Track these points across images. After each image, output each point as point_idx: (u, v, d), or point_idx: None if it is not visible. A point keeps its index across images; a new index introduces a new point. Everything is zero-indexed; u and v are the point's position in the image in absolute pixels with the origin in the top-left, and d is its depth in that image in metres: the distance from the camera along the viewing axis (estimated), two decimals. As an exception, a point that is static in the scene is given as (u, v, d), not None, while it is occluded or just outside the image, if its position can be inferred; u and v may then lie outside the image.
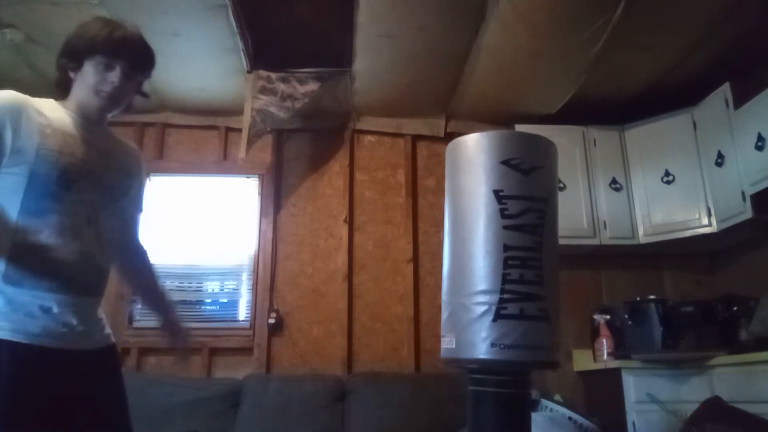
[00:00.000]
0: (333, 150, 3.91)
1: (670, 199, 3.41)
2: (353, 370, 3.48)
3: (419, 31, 2.97)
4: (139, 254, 1.67)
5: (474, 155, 1.66)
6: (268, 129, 3.57)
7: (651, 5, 2.70)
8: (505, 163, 1.60)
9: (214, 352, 3.49)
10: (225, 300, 3.74)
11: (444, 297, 1.67)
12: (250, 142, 3.41)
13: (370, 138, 3.97)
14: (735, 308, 3.06)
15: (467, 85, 3.47)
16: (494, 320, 1.49)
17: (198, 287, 3.68)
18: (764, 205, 2.91)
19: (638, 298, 3.31)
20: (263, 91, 3.37)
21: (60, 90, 1.47)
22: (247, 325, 3.60)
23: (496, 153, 1.62)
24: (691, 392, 2.88)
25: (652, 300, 3.23)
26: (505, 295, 1.50)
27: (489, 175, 1.60)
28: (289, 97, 3.42)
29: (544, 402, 3.07)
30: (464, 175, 1.67)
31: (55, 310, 1.29)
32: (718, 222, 3.21)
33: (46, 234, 1.30)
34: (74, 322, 1.32)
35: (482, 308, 1.51)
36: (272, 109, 3.41)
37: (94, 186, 1.40)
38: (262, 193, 3.81)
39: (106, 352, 1.43)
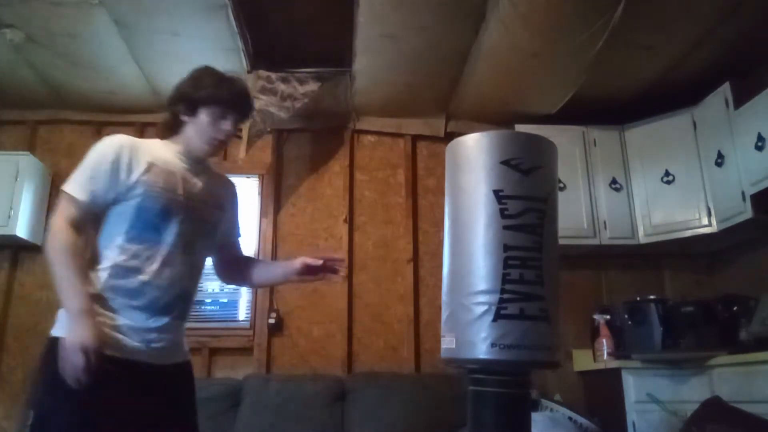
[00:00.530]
0: (333, 150, 3.91)
1: (670, 199, 3.41)
2: (353, 370, 3.48)
3: (420, 31, 2.97)
4: (243, 259, 1.87)
5: (474, 155, 1.66)
6: (268, 129, 3.57)
7: (651, 5, 2.70)
8: (505, 163, 1.59)
9: (214, 352, 3.49)
10: (225, 300, 3.74)
11: (444, 297, 1.67)
12: (250, 142, 3.42)
13: (370, 138, 3.97)
14: (735, 308, 3.06)
15: (467, 85, 3.47)
16: (494, 320, 1.49)
17: (198, 287, 3.67)
18: (764, 205, 2.91)
19: (638, 298, 3.31)
20: (263, 91, 3.37)
21: (167, 131, 1.64)
22: (247, 325, 3.60)
23: (496, 153, 1.62)
24: (691, 392, 2.88)
25: (652, 300, 3.23)
26: (505, 295, 1.50)
27: (489, 174, 1.60)
28: (289, 97, 3.42)
29: (544, 402, 3.07)
30: (464, 175, 1.67)
31: (139, 325, 1.45)
32: (718, 222, 3.21)
33: (142, 259, 1.48)
34: (154, 337, 1.48)
35: (482, 308, 1.51)
36: (272, 109, 3.41)
37: (192, 219, 1.57)
38: (262, 193, 3.81)
39: (181, 368, 1.59)
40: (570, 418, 2.89)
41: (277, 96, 3.40)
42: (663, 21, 2.85)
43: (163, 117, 1.67)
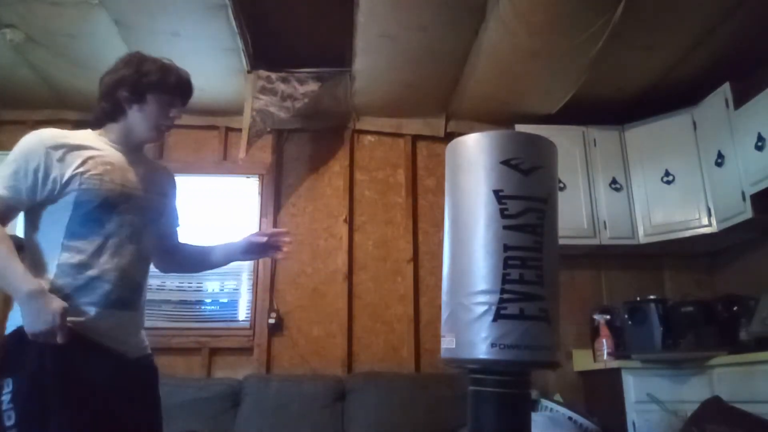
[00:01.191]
0: (333, 150, 3.91)
1: (670, 199, 3.41)
2: (353, 370, 3.48)
3: (419, 31, 2.97)
4: (181, 247, 1.82)
5: (474, 155, 1.66)
6: (268, 129, 3.57)
7: (651, 5, 2.70)
8: (505, 163, 1.59)
9: (214, 352, 3.49)
10: (225, 300, 3.74)
11: (444, 297, 1.67)
12: (250, 142, 3.41)
13: (370, 138, 3.97)
14: (735, 308, 3.06)
15: (467, 85, 3.47)
16: (494, 320, 1.49)
17: (198, 287, 3.68)
18: (764, 205, 2.91)
19: (638, 298, 3.31)
20: (263, 91, 3.37)
21: (103, 120, 1.60)
22: (247, 325, 3.60)
23: (496, 153, 1.62)
24: (691, 392, 2.88)
25: (652, 300, 3.23)
26: (505, 295, 1.50)
27: (489, 175, 1.60)
28: (289, 97, 3.42)
29: (544, 402, 3.07)
30: (464, 175, 1.67)
31: (93, 324, 1.41)
32: (718, 222, 3.21)
33: (88, 254, 1.43)
34: (111, 333, 1.44)
35: (482, 308, 1.51)
36: (272, 109, 3.41)
37: (135, 209, 1.53)
38: (262, 193, 3.81)
39: (143, 361, 1.55)
40: (570, 418, 2.89)
41: (277, 96, 3.40)
42: (663, 21, 2.85)
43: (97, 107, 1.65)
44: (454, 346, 1.56)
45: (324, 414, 3.08)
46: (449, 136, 3.61)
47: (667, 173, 3.45)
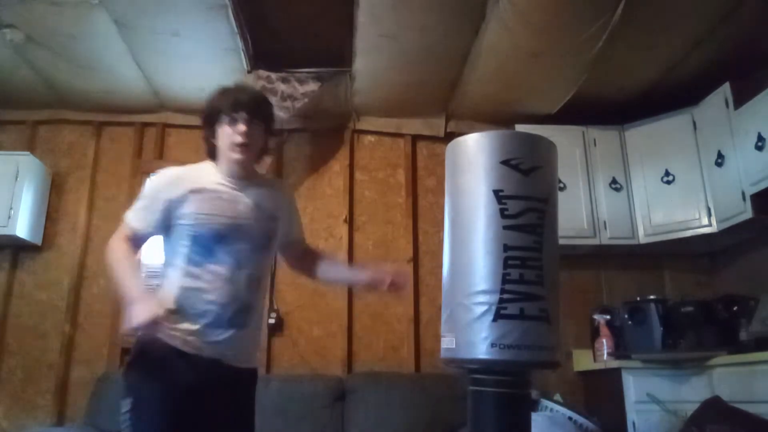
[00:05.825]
0: (333, 150, 3.91)
1: (670, 199, 3.41)
2: (353, 370, 3.48)
3: (419, 31, 2.97)
4: (310, 254, 1.99)
5: (474, 155, 1.65)
6: (268, 129, 3.57)
7: (651, 5, 2.70)
8: (505, 163, 1.59)
9: (214, 352, 3.49)
10: (225, 300, 3.73)
11: (444, 297, 1.67)
12: (250, 142, 3.41)
13: (370, 138, 3.97)
14: (735, 308, 3.06)
15: (467, 85, 3.47)
16: (494, 320, 1.49)
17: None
18: (764, 205, 2.91)
19: (638, 298, 3.31)
20: (263, 91, 3.37)
21: (212, 158, 1.78)
22: (247, 325, 3.60)
23: (496, 153, 1.62)
24: (691, 392, 2.88)
25: (652, 300, 3.23)
26: (505, 295, 1.50)
27: (489, 175, 1.60)
28: (289, 97, 3.42)
29: (544, 402, 3.07)
30: (464, 175, 1.67)
31: (209, 339, 1.61)
32: (718, 222, 3.21)
33: (204, 280, 1.63)
34: (223, 348, 1.63)
35: (482, 308, 1.51)
36: (272, 109, 3.41)
37: (244, 238, 1.69)
38: (262, 193, 3.80)
39: (247, 373, 1.73)
40: (570, 418, 2.89)
41: (277, 96, 3.40)
42: (663, 21, 2.85)
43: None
44: (454, 346, 1.56)
45: (324, 414, 3.08)
46: (449, 136, 3.61)
47: (667, 173, 3.45)
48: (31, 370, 3.40)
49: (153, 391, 1.56)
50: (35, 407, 3.34)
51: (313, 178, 3.86)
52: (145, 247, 1.74)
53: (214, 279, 1.63)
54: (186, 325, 1.60)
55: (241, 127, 1.68)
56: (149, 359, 1.60)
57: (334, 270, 2.07)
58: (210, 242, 1.64)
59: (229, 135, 1.69)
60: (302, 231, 2.00)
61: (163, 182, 1.71)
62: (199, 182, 1.70)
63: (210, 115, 1.74)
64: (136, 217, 1.70)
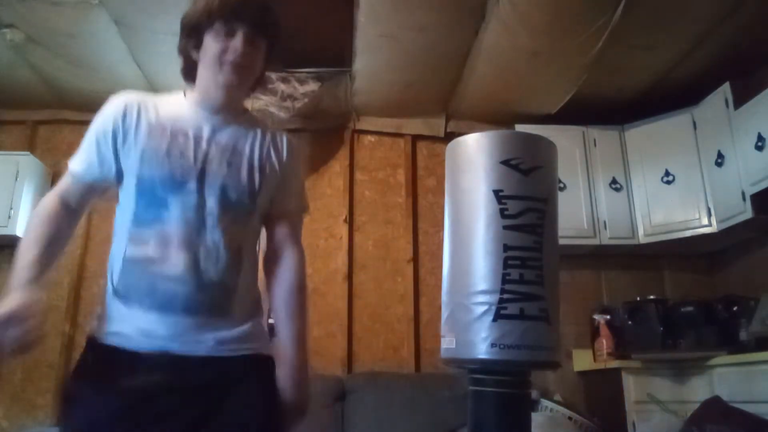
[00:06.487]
0: (333, 150, 3.91)
1: (670, 199, 3.41)
2: (353, 370, 3.48)
3: (419, 31, 2.97)
4: (281, 260, 1.37)
5: (474, 155, 1.66)
6: (268, 129, 3.56)
7: (651, 5, 2.70)
8: (505, 163, 1.59)
9: (214, 352, 3.49)
10: (225, 300, 3.73)
11: (444, 297, 1.67)
12: (250, 142, 3.41)
13: (370, 138, 3.97)
14: (735, 308, 3.06)
15: (467, 85, 3.47)
16: (494, 320, 1.49)
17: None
18: (764, 205, 2.91)
19: (638, 298, 3.31)
20: (263, 91, 3.37)
21: (188, 79, 1.33)
22: (247, 325, 3.59)
23: (496, 153, 1.62)
24: (691, 392, 2.89)
25: (652, 300, 3.23)
26: (505, 295, 1.50)
27: (489, 175, 1.60)
28: (289, 97, 3.42)
29: (544, 402, 3.07)
30: (464, 175, 1.67)
31: (159, 332, 1.14)
32: (718, 222, 3.21)
33: (151, 246, 1.17)
34: (175, 346, 1.15)
35: (482, 308, 1.51)
36: (272, 109, 3.41)
37: (209, 189, 1.22)
38: (262, 193, 3.80)
39: (242, 361, 1.24)
40: (570, 418, 2.89)
41: (277, 96, 3.40)
42: (663, 21, 2.85)
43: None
44: (454, 346, 1.56)
45: (324, 414, 3.07)
46: (449, 136, 3.60)
47: (667, 173, 3.45)
48: (30, 370, 3.40)
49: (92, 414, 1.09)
50: (35, 407, 3.34)
51: (313, 178, 3.86)
52: (95, 205, 1.30)
53: (165, 243, 1.16)
54: (134, 313, 1.14)
55: (240, 43, 1.24)
56: (89, 372, 1.14)
57: (285, 314, 1.43)
58: (160, 191, 1.18)
59: (221, 50, 1.23)
60: (298, 208, 1.48)
61: (112, 110, 1.26)
62: (156, 110, 1.27)
63: (196, 19, 1.27)
64: (77, 158, 1.25)
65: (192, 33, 1.28)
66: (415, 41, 3.05)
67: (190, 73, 1.32)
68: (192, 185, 1.20)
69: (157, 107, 1.28)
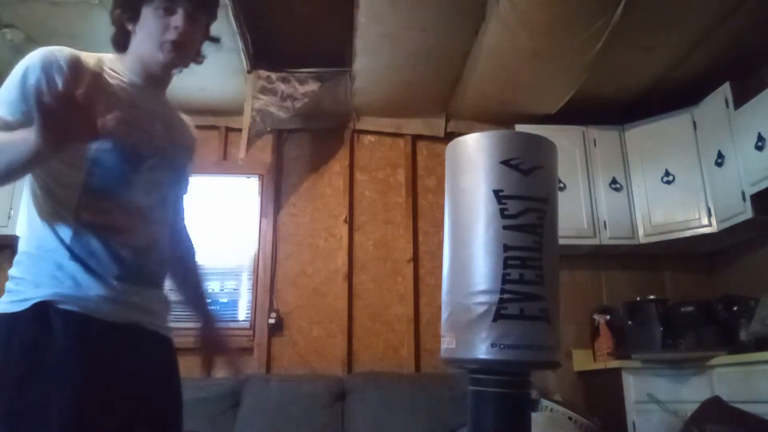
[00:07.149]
0: (333, 150, 3.91)
1: (670, 199, 3.41)
2: (353, 370, 3.48)
3: (419, 31, 2.97)
4: (184, 240, 1.45)
5: (474, 155, 1.65)
6: (268, 129, 3.57)
7: (651, 5, 2.70)
8: (505, 162, 1.59)
9: (214, 352, 3.49)
10: (225, 300, 3.74)
11: (444, 297, 1.67)
12: (250, 142, 3.42)
13: (370, 138, 3.97)
14: (735, 308, 3.06)
15: (467, 85, 3.47)
16: (494, 320, 1.49)
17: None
18: (764, 205, 2.91)
19: (638, 298, 3.31)
20: (263, 91, 3.37)
21: (119, 48, 1.28)
22: (247, 325, 3.60)
23: (496, 153, 1.62)
24: (691, 392, 2.88)
25: (652, 300, 3.23)
26: (505, 295, 1.50)
27: (489, 174, 1.60)
28: (289, 97, 3.42)
29: (544, 402, 3.07)
30: (464, 175, 1.67)
31: (129, 301, 1.14)
32: (718, 222, 3.21)
33: (116, 216, 1.15)
34: (146, 318, 1.18)
35: (482, 308, 1.51)
36: (272, 109, 3.41)
37: (164, 164, 1.24)
38: (262, 193, 3.81)
39: (168, 342, 1.27)
40: (570, 418, 2.89)
41: (277, 96, 3.40)
42: (663, 21, 2.85)
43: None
44: (453, 346, 1.56)
45: (324, 414, 3.08)
46: (449, 136, 3.61)
47: (667, 173, 3.45)
48: None
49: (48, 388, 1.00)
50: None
51: (313, 178, 3.86)
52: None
53: (129, 216, 1.16)
54: (88, 280, 1.10)
55: (180, 22, 1.20)
56: (28, 340, 1.03)
57: (187, 286, 1.45)
58: (124, 164, 1.15)
59: (161, 27, 1.20)
60: (185, 195, 1.46)
61: (63, 61, 1.15)
62: (110, 74, 1.20)
63: None
64: (8, 107, 1.12)
65: (128, 5, 1.23)
66: (415, 41, 3.05)
67: (121, 42, 1.27)
68: (151, 161, 1.21)
69: (107, 72, 1.20)
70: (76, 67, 1.13)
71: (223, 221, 3.76)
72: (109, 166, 1.14)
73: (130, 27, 1.24)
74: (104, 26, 3.12)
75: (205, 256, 3.66)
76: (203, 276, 1.53)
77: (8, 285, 1.13)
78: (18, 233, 1.26)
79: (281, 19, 3.19)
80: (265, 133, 3.59)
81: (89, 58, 1.20)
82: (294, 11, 3.14)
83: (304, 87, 3.43)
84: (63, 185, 1.14)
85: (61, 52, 1.18)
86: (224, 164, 3.83)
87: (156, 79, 1.29)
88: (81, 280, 1.10)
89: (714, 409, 2.59)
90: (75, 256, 1.11)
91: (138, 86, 1.24)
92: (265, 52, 3.33)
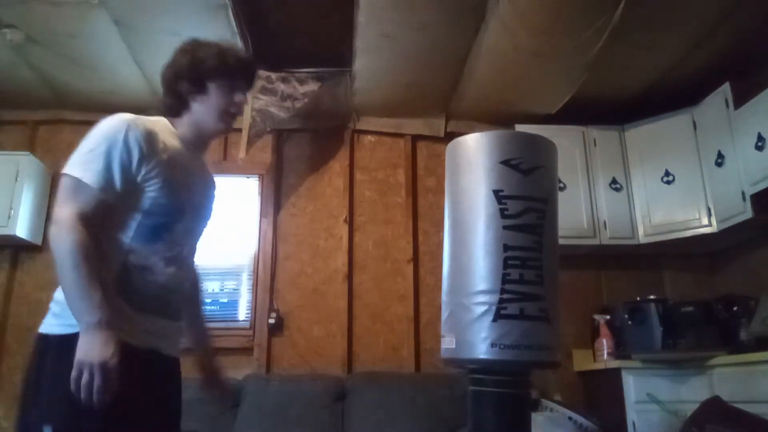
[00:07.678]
0: (333, 150, 3.91)
1: (670, 199, 3.41)
2: (353, 370, 3.48)
3: (419, 31, 2.97)
4: (196, 276, 1.64)
5: (474, 155, 1.66)
6: (268, 129, 3.57)
7: (651, 5, 2.70)
8: (505, 163, 1.59)
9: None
10: (225, 300, 3.74)
11: (444, 297, 1.67)
12: (250, 142, 3.41)
13: (370, 138, 3.97)
14: (735, 308, 3.06)
15: (467, 85, 3.47)
16: (494, 320, 1.49)
17: None
18: (764, 205, 2.91)
19: (638, 298, 3.31)
20: (263, 91, 3.37)
21: (170, 114, 1.48)
22: (247, 325, 3.60)
23: (496, 153, 1.62)
24: (691, 392, 2.88)
25: (652, 300, 3.23)
26: (505, 295, 1.50)
27: (489, 175, 1.60)
28: (289, 97, 3.42)
29: (544, 402, 3.07)
30: (464, 175, 1.67)
31: (150, 329, 1.35)
32: (718, 222, 3.21)
33: (155, 260, 1.35)
34: (164, 345, 1.39)
35: (482, 308, 1.51)
36: (272, 109, 3.41)
37: (197, 216, 1.48)
38: (262, 193, 3.81)
39: (177, 361, 1.48)
40: (570, 418, 2.89)
41: (277, 96, 3.40)
42: (663, 21, 2.85)
43: (159, 100, 1.51)
44: (454, 346, 1.56)
45: (324, 414, 3.07)
46: (449, 136, 3.61)
47: (667, 173, 3.45)
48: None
49: (82, 415, 1.17)
50: (35, 407, 3.34)
51: (313, 178, 3.86)
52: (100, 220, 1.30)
53: (165, 260, 1.36)
54: (129, 312, 1.30)
55: (241, 98, 1.48)
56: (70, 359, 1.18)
57: (192, 318, 1.60)
58: (169, 215, 1.37)
59: (226, 102, 1.44)
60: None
61: (138, 134, 1.31)
62: (164, 141, 1.37)
63: (207, 69, 1.43)
64: (91, 173, 1.27)
65: (196, 78, 1.44)
66: (415, 41, 3.05)
67: (176, 109, 1.47)
68: (190, 214, 1.43)
69: (164, 138, 1.39)
70: (151, 140, 1.34)
71: (223, 221, 3.75)
72: (159, 219, 1.36)
73: (190, 98, 1.45)
74: (104, 26, 3.13)
75: (205, 256, 3.67)
76: (205, 312, 1.71)
77: (54, 308, 1.30)
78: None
79: (281, 19, 3.19)
80: (265, 133, 3.59)
81: (155, 125, 1.39)
82: (294, 11, 3.14)
83: (304, 87, 3.43)
84: (118, 228, 1.33)
85: (137, 127, 1.34)
86: (224, 164, 3.83)
87: (205, 143, 1.54)
88: (123, 312, 1.28)
89: (714, 409, 2.58)
90: (121, 292, 1.29)
91: (190, 149, 1.47)
92: (265, 52, 3.32)
